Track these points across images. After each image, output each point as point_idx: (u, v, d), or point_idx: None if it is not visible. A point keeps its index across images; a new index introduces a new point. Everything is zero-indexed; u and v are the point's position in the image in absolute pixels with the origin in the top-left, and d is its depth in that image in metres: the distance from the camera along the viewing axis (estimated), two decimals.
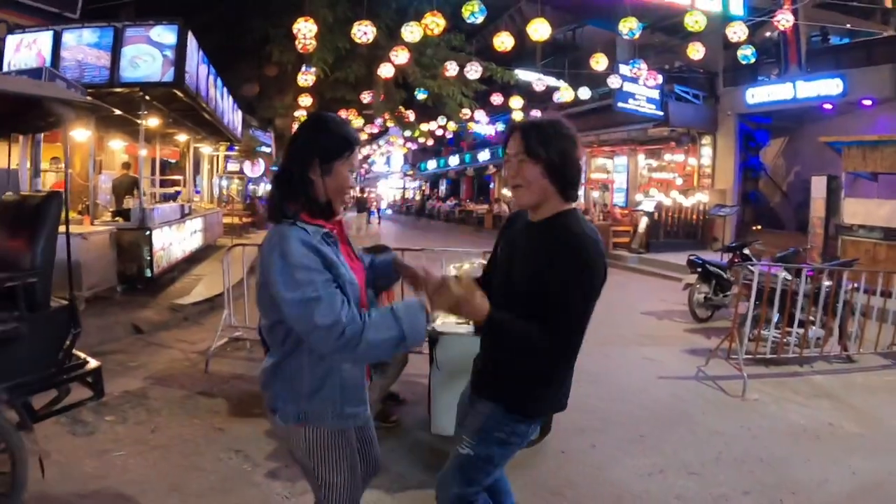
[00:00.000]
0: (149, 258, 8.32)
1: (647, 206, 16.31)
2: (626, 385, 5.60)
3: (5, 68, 8.37)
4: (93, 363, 3.33)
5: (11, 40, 8.57)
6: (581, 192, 22.97)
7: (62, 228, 3.24)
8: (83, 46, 8.37)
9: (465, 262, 4.92)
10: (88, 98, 3.34)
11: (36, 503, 3.07)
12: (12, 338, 2.94)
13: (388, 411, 4.38)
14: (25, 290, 2.98)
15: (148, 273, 8.35)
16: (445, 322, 4.00)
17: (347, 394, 1.94)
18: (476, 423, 2.22)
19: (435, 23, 8.90)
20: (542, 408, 2.23)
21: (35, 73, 6.86)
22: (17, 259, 3.05)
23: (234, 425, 4.30)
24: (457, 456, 2.26)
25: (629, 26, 8.78)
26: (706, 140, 17.43)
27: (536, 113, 18.07)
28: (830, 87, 13.38)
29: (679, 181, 18.61)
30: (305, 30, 9.01)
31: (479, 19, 8.63)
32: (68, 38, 8.40)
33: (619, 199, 21.39)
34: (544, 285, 1.92)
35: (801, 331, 6.37)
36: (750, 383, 5.49)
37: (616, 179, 22.17)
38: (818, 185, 11.89)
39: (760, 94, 15.24)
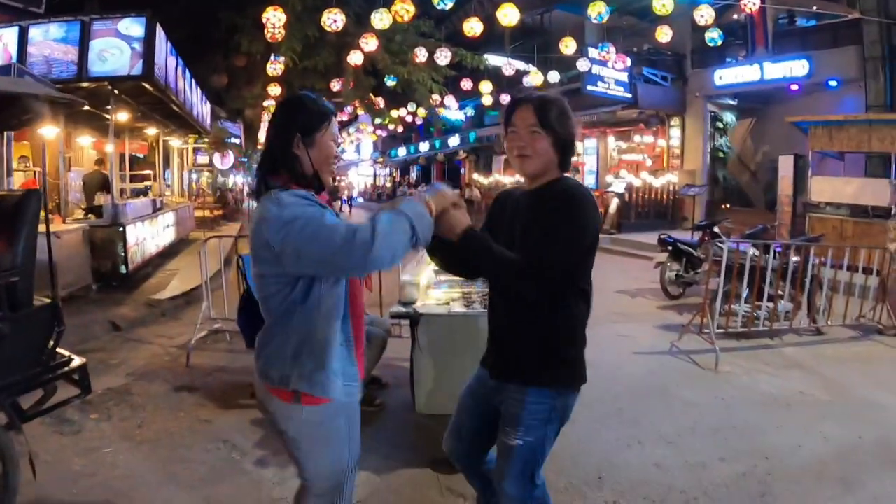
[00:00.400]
0: (123, 254, 8.26)
1: (618, 187, 16.53)
2: (602, 362, 5.67)
3: None
4: (78, 360, 3.34)
5: None
6: None
7: (42, 227, 3.23)
8: (50, 41, 8.23)
9: None
10: (66, 94, 3.32)
11: (29, 503, 3.08)
12: None
13: (371, 395, 4.45)
14: (7, 289, 2.97)
15: (123, 269, 8.30)
16: (426, 304, 4.08)
17: (342, 354, 2.00)
18: (516, 411, 2.18)
19: (405, 9, 8.87)
20: (575, 373, 2.23)
21: (4, 69, 6.70)
22: None
23: (219, 417, 4.33)
24: (508, 449, 2.19)
25: (598, 10, 8.86)
26: (675, 121, 17.70)
27: (506, 97, 18.15)
28: (797, 68, 13.67)
29: (649, 162, 18.86)
30: (274, 19, 8.93)
31: (449, 5, 8.64)
32: (35, 33, 8.25)
33: (590, 181, 21.58)
34: (544, 231, 1.99)
35: (771, 305, 6.56)
36: (722, 356, 5.66)
37: (587, 162, 22.36)
38: (785, 164, 12.17)
39: (728, 76, 15.50)
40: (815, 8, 14.05)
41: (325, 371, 1.95)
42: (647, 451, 3.86)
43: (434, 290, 4.67)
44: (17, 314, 3.04)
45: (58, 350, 3.29)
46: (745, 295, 6.58)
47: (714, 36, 9.72)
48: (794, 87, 14.26)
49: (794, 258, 6.77)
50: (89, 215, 8.94)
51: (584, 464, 3.65)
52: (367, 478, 3.37)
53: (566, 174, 2.22)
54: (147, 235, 9.71)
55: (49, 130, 5.14)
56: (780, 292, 6.64)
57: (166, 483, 3.38)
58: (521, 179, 2.26)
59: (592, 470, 3.58)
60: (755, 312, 6.52)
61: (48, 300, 3.27)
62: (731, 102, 16.80)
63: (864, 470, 3.64)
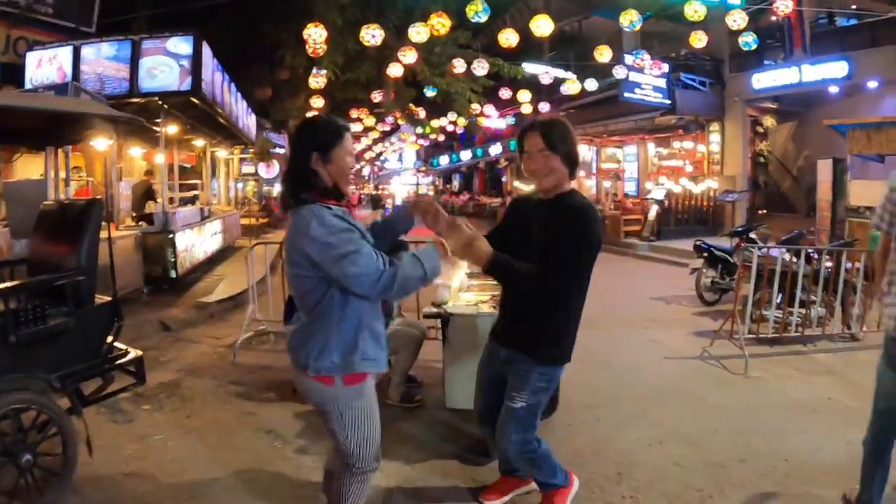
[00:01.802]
0: (173, 260, 8.69)
1: (657, 194, 16.43)
2: (632, 365, 5.83)
3: (27, 84, 8.70)
4: (134, 353, 3.68)
5: (32, 56, 8.92)
6: (592, 183, 23.18)
7: (103, 234, 3.57)
8: (102, 60, 8.73)
9: None
10: (124, 114, 3.66)
11: (85, 482, 3.39)
12: (62, 331, 3.28)
13: (411, 393, 4.67)
14: (73, 288, 3.32)
15: (172, 274, 8.73)
16: (457, 305, 4.28)
17: (372, 342, 2.31)
18: (521, 379, 2.79)
19: (441, 23, 9.13)
20: (565, 353, 2.81)
21: (62, 88, 7.20)
22: (65, 260, 3.40)
23: (263, 409, 4.62)
24: (512, 410, 2.80)
25: (629, 18, 8.95)
26: (714, 127, 17.48)
27: (545, 105, 18.27)
28: (835, 69, 13.40)
29: (689, 168, 18.69)
30: (315, 35, 9.27)
31: (483, 18, 8.83)
32: (87, 52, 8.77)
33: (630, 188, 21.51)
34: (556, 241, 2.51)
35: (803, 311, 6.54)
36: (753, 362, 5.67)
37: (627, 168, 22.28)
38: (824, 169, 11.99)
39: (766, 79, 15.29)
40: (853, 7, 13.79)
41: (359, 354, 2.26)
42: (667, 450, 3.96)
43: (465, 292, 4.87)
44: (81, 310, 3.39)
45: (116, 344, 3.62)
46: (777, 301, 6.57)
47: (748, 40, 9.71)
48: (834, 89, 14.01)
49: (827, 263, 6.73)
50: (140, 223, 9.44)
51: (606, 460, 3.78)
52: (398, 467, 3.60)
53: (572, 185, 2.74)
54: (195, 242, 10.17)
55: (102, 143, 5.55)
56: (812, 298, 6.62)
57: (212, 467, 3.67)
58: None
59: (613, 466, 3.71)
60: (787, 318, 6.51)
61: (108, 298, 3.60)
62: (772, 106, 16.55)
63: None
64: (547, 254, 2.51)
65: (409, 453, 3.80)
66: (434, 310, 4.37)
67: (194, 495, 3.34)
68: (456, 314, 4.23)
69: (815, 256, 6.85)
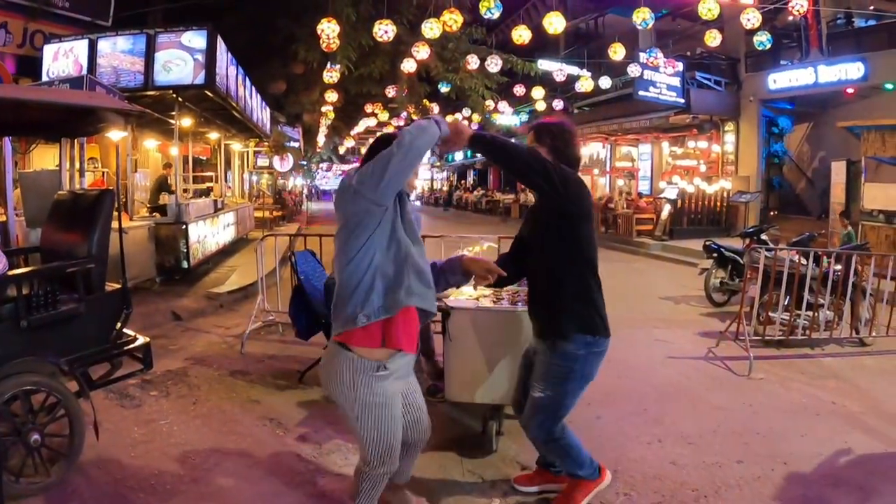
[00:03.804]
0: (185, 250, 8.81)
1: (670, 193, 16.37)
2: (636, 364, 5.83)
3: (44, 76, 8.83)
4: (142, 339, 3.78)
5: (49, 49, 9.03)
6: (605, 181, 23.10)
7: (114, 224, 3.66)
8: (118, 53, 8.84)
9: (478, 245, 5.26)
10: (138, 107, 3.75)
11: (90, 463, 3.49)
12: (73, 316, 3.38)
13: (436, 387, 4.60)
14: (84, 275, 3.43)
15: (185, 264, 8.85)
16: (458, 299, 4.32)
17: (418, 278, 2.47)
18: (539, 367, 2.95)
19: (453, 19, 9.15)
20: (578, 327, 2.86)
21: (77, 81, 7.31)
22: (77, 248, 3.50)
23: (268, 398, 4.71)
24: (532, 399, 2.96)
25: (643, 17, 8.93)
26: (729, 127, 17.37)
27: (559, 102, 18.25)
28: (852, 70, 13.28)
29: (703, 168, 18.59)
30: (329, 30, 9.32)
31: (496, 14, 8.84)
32: (103, 45, 8.88)
33: (644, 186, 21.43)
34: (542, 214, 2.92)
35: (811, 314, 6.51)
36: (759, 364, 5.67)
37: (641, 167, 22.20)
38: (838, 171, 11.90)
39: (782, 80, 15.17)
40: (871, 7, 13.63)
41: (405, 282, 2.47)
42: (665, 448, 3.98)
43: (467, 287, 4.91)
44: (92, 296, 3.49)
45: (124, 330, 3.71)
46: (784, 303, 6.54)
47: (762, 39, 9.64)
48: (850, 90, 13.87)
49: (837, 267, 6.70)
50: (154, 214, 9.57)
51: (603, 457, 3.75)
52: None
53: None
54: (208, 233, 10.29)
55: (117, 134, 5.65)
56: (821, 301, 6.59)
57: (215, 452, 3.75)
58: None
59: (610, 462, 3.70)
60: (795, 321, 6.48)
61: (118, 286, 3.69)
62: (788, 107, 16.40)
63: (885, 480, 3.64)
64: (537, 232, 2.90)
65: None
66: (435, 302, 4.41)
67: (196, 479, 3.43)
68: (456, 308, 4.27)
69: (828, 261, 6.82)
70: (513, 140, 2.98)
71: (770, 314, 6.48)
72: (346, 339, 2.39)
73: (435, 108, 19.56)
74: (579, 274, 2.89)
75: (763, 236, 9.04)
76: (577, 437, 3.08)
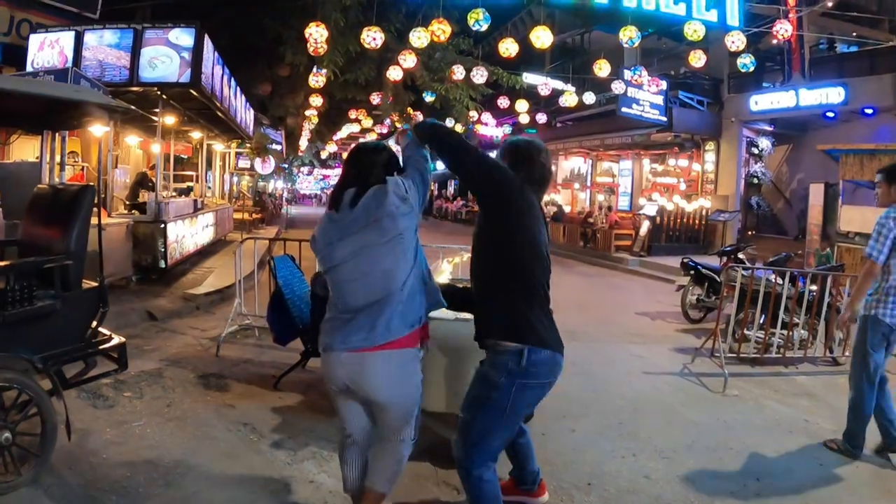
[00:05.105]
0: (163, 250, 8.70)
1: (650, 210, 16.56)
2: (611, 378, 5.88)
3: (29, 67, 8.71)
4: (117, 339, 3.72)
5: (35, 39, 8.91)
6: (586, 195, 23.28)
7: (93, 220, 3.61)
8: (104, 47, 8.74)
9: (458, 256, 5.27)
10: (123, 103, 3.71)
11: (62, 463, 3.42)
12: (48, 313, 3.32)
13: None
14: (61, 271, 3.37)
15: (162, 264, 8.74)
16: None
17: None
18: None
19: (441, 30, 9.22)
20: (489, 330, 2.68)
21: (62, 73, 7.22)
22: (55, 244, 3.44)
23: (242, 403, 4.65)
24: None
25: (629, 35, 9.06)
26: (710, 146, 17.65)
27: (542, 116, 18.39)
28: (832, 95, 13.58)
29: (683, 186, 18.85)
30: (317, 34, 9.33)
31: (484, 27, 8.93)
32: (90, 38, 8.77)
33: (624, 202, 21.65)
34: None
35: (786, 332, 6.62)
36: (733, 381, 5.73)
37: (621, 183, 22.43)
38: (816, 193, 12.11)
39: (764, 102, 15.46)
40: (854, 34, 13.96)
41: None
42: (640, 463, 4.00)
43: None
44: (68, 294, 3.43)
45: (100, 329, 3.65)
46: (760, 321, 6.65)
47: (746, 62, 9.83)
48: (830, 114, 14.18)
49: (812, 287, 6.82)
50: (133, 211, 9.45)
51: (577, 470, 3.82)
52: None
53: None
54: (187, 233, 10.18)
55: (99, 129, 5.59)
56: (795, 320, 6.69)
57: (189, 455, 3.70)
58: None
59: (584, 476, 3.75)
60: (769, 339, 6.58)
61: (95, 284, 3.64)
62: (768, 128, 16.71)
63: (856, 497, 3.71)
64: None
65: None
66: None
67: (169, 482, 3.37)
68: (433, 318, 4.27)
69: (801, 279, 6.94)
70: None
71: (745, 332, 6.57)
72: (406, 341, 2.54)
73: (419, 116, 19.62)
74: (501, 278, 2.64)
75: (740, 255, 9.17)
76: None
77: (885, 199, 4.27)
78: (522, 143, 2.83)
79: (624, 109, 15.97)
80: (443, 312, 4.34)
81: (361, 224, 2.47)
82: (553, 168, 3.11)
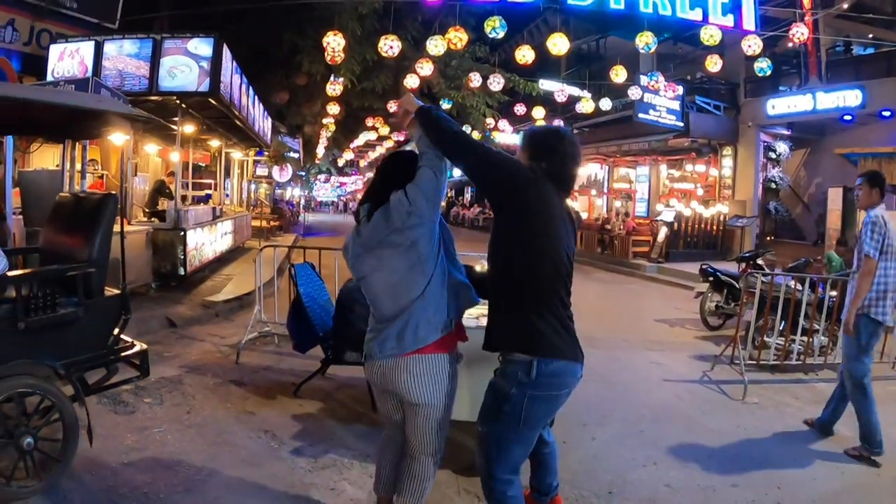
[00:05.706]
0: (182, 257, 8.79)
1: (667, 216, 16.45)
2: (631, 386, 5.85)
3: (49, 76, 8.83)
4: (139, 346, 3.76)
5: (55, 49, 9.04)
6: (603, 202, 23.16)
7: (115, 228, 3.66)
8: (124, 56, 8.87)
9: (478, 263, 5.27)
10: (144, 112, 3.76)
11: (83, 469, 3.47)
12: (71, 320, 3.36)
13: None
14: (84, 279, 3.41)
15: (181, 271, 8.82)
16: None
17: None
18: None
19: (458, 37, 9.25)
20: (498, 340, 2.59)
21: (82, 82, 7.32)
22: (78, 252, 3.49)
23: (263, 409, 4.68)
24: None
25: (645, 41, 9.04)
26: (727, 151, 17.50)
27: (559, 122, 18.36)
28: (850, 97, 13.41)
29: (700, 191, 18.70)
30: (334, 43, 9.40)
31: (501, 34, 8.95)
32: (110, 48, 8.90)
33: (641, 208, 21.52)
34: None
35: (806, 339, 6.54)
36: (753, 388, 5.67)
37: (639, 189, 22.30)
38: (834, 197, 11.97)
39: (781, 106, 15.30)
40: (870, 36, 13.79)
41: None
42: (660, 471, 3.97)
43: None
44: (90, 301, 3.47)
45: (122, 336, 3.69)
46: (780, 328, 6.57)
47: (763, 66, 9.76)
48: (848, 117, 14.00)
49: (832, 292, 6.73)
50: (152, 218, 9.55)
51: (598, 478, 3.80)
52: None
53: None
54: (206, 241, 10.27)
55: (119, 138, 5.68)
56: (815, 326, 6.62)
57: (209, 462, 3.73)
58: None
59: (605, 484, 3.72)
60: (789, 346, 6.51)
61: (117, 291, 3.68)
62: (785, 132, 16.54)
63: None
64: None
65: None
66: None
67: (189, 489, 3.40)
68: None
69: (823, 286, 6.84)
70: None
71: (765, 339, 6.50)
72: (437, 347, 2.57)
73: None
74: (506, 281, 2.49)
75: (759, 261, 9.07)
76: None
77: (867, 201, 4.52)
78: (541, 132, 2.66)
79: (641, 115, 15.87)
80: (466, 320, 4.36)
81: (376, 240, 2.54)
82: (581, 160, 2.94)
